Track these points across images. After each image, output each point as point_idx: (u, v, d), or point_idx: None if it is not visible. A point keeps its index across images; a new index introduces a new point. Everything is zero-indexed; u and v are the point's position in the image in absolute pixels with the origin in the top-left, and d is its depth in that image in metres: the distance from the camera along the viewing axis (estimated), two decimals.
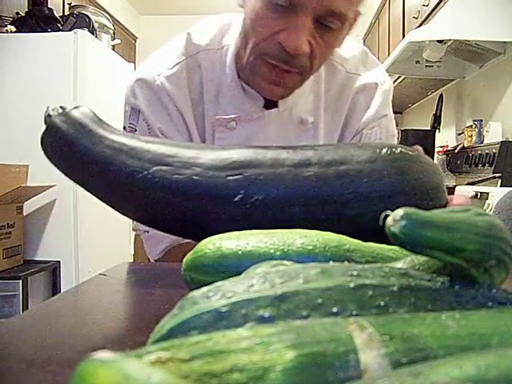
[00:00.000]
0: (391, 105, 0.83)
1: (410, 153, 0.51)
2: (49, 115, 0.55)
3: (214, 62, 0.75)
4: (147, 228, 0.74)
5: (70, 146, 0.53)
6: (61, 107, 0.56)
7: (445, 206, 0.53)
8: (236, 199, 0.49)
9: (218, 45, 0.76)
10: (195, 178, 0.49)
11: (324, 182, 0.49)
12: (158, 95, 0.74)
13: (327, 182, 0.49)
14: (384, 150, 0.51)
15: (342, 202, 0.49)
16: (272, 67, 0.66)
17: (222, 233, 0.45)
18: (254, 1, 0.65)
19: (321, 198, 0.49)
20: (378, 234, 0.50)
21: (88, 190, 0.55)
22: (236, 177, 0.49)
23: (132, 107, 0.75)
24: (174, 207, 0.50)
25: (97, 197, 0.55)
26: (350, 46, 0.80)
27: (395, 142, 0.85)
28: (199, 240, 0.49)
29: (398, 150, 0.51)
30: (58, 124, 0.54)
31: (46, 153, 0.56)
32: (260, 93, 0.72)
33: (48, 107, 0.56)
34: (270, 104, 0.75)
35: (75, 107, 0.57)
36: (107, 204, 0.55)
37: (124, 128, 0.75)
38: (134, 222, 0.76)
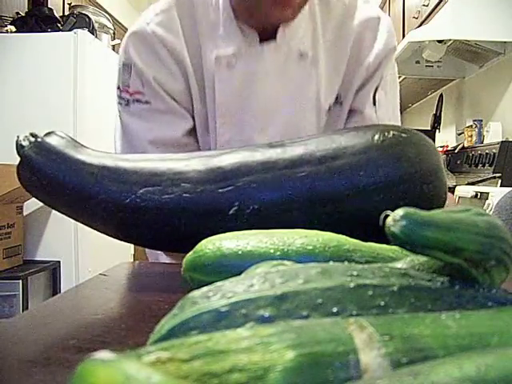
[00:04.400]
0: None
1: (402, 135, 0.49)
2: (21, 146, 0.52)
3: (208, 4, 0.73)
4: None
5: (49, 179, 0.50)
6: (31, 135, 0.52)
7: (445, 186, 0.51)
8: (231, 212, 0.47)
9: None
10: (185, 195, 0.47)
11: (319, 180, 0.47)
12: (150, 44, 0.72)
13: (323, 180, 0.47)
14: (376, 137, 0.49)
15: (340, 199, 0.47)
16: None
17: None
18: None
19: (318, 198, 0.47)
20: (381, 228, 0.48)
21: (77, 221, 0.53)
22: (228, 188, 0.47)
23: (123, 63, 0.73)
24: (167, 227, 0.49)
25: (87, 226, 0.53)
26: None
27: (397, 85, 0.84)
28: None
29: (391, 134, 0.49)
30: (32, 157, 0.50)
31: (24, 187, 0.53)
32: (267, 18, 0.69)
33: (18, 137, 0.52)
34: (267, 40, 0.73)
35: (48, 133, 0.53)
36: (99, 232, 0.53)
37: (118, 88, 0.74)
38: None
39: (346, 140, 0.49)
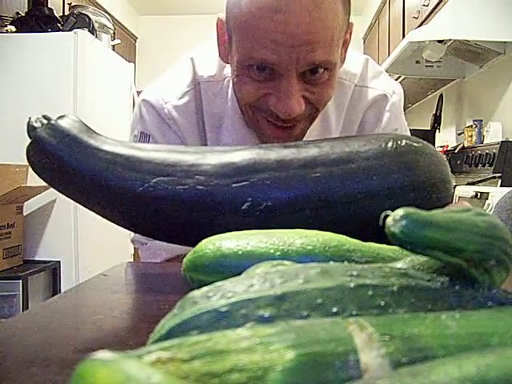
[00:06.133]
0: (403, 113, 0.81)
1: (415, 145, 0.50)
2: (33, 127, 0.50)
3: (216, 95, 0.74)
4: (145, 240, 0.73)
5: (61, 162, 0.49)
6: (44, 117, 0.51)
7: (451, 197, 0.52)
8: (244, 207, 0.47)
9: (219, 76, 0.74)
10: (199, 187, 0.47)
11: (333, 182, 0.48)
12: (166, 122, 0.73)
13: (336, 182, 0.48)
14: (390, 144, 0.49)
15: (351, 201, 0.48)
16: (274, 126, 0.64)
17: None
18: (234, 66, 0.62)
19: (331, 199, 0.48)
20: None
21: (85, 206, 0.52)
22: (242, 183, 0.47)
23: (141, 132, 0.74)
24: (179, 219, 0.48)
25: (94, 212, 0.52)
26: (352, 58, 0.76)
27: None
28: None
29: (404, 143, 0.50)
30: (44, 138, 0.49)
31: (32, 167, 0.51)
32: (269, 138, 0.68)
33: (30, 118, 0.51)
34: None
35: (60, 116, 0.52)
36: (106, 219, 0.52)
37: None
38: (133, 234, 0.76)
39: (360, 145, 0.50)
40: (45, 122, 0.50)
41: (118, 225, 0.53)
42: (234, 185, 0.47)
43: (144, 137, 0.74)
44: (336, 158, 0.49)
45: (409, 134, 0.82)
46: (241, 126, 0.73)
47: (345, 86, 0.76)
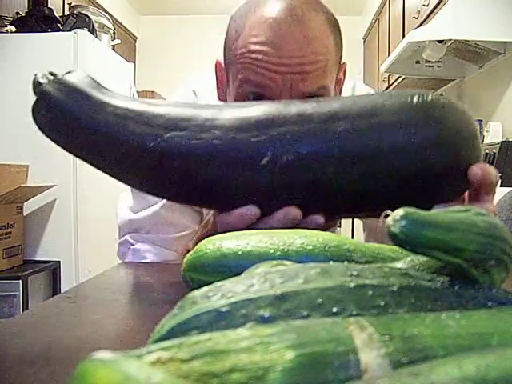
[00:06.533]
0: None
1: (441, 100, 0.47)
2: (39, 83, 0.47)
3: None
4: (133, 241, 0.74)
5: (69, 118, 0.46)
6: (50, 73, 0.48)
7: (480, 155, 0.49)
8: (263, 162, 0.44)
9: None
10: (215, 142, 0.44)
11: (357, 135, 0.45)
12: None
13: (361, 135, 0.45)
14: (415, 98, 0.46)
15: (377, 156, 0.45)
16: None
17: (251, 201, 0.43)
18: (231, 101, 0.63)
19: (356, 154, 0.45)
20: (418, 189, 0.47)
21: (93, 165, 0.50)
22: (261, 137, 0.44)
23: None
24: (194, 176, 0.45)
25: (104, 172, 0.50)
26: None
27: None
28: (223, 210, 0.46)
29: (430, 97, 0.47)
30: (51, 93, 0.47)
31: (39, 127, 0.49)
32: None
33: (36, 74, 0.48)
34: None
35: (68, 72, 0.50)
36: (116, 178, 0.50)
37: None
38: (118, 249, 0.76)
39: (385, 99, 0.47)
40: (51, 77, 0.48)
41: (130, 185, 0.51)
42: (252, 139, 0.44)
43: None
44: (359, 112, 0.46)
45: None
46: None
47: None
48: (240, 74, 0.60)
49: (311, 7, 0.59)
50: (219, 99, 0.70)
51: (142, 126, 0.45)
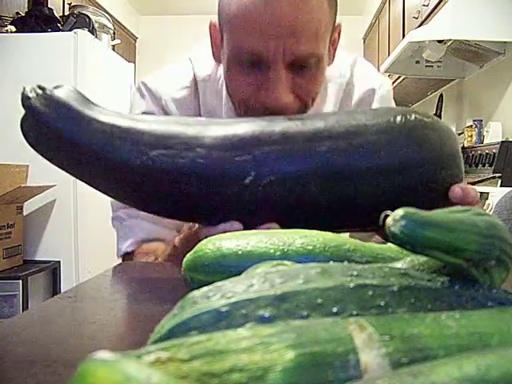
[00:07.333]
0: (394, 105, 0.82)
1: (425, 119, 0.48)
2: (27, 97, 0.48)
3: (212, 94, 0.76)
4: (125, 216, 0.74)
5: (56, 133, 0.47)
6: (39, 87, 0.48)
7: (462, 174, 0.50)
8: (246, 181, 0.45)
9: (215, 76, 0.76)
10: (200, 160, 0.45)
11: (339, 156, 0.45)
12: (164, 109, 0.75)
13: (343, 156, 0.45)
14: (398, 118, 0.47)
15: (358, 176, 0.46)
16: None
17: (234, 216, 0.43)
18: (225, 63, 0.65)
19: (337, 174, 0.46)
20: (399, 207, 0.46)
21: (81, 180, 0.51)
22: (244, 157, 0.45)
23: (144, 111, 0.75)
24: (179, 194, 0.46)
25: (91, 186, 0.51)
26: (341, 59, 0.77)
27: None
28: (207, 224, 0.46)
29: (413, 117, 0.47)
30: (39, 108, 0.47)
31: (27, 141, 0.49)
32: (265, 107, 0.69)
33: (24, 88, 0.48)
34: None
35: (56, 86, 0.50)
36: (103, 193, 0.51)
37: None
38: (112, 223, 0.77)
39: (368, 119, 0.48)
40: (39, 91, 0.48)
41: (116, 199, 0.52)
42: (236, 158, 0.45)
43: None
44: (343, 132, 0.47)
45: None
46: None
47: (335, 87, 0.78)
48: (233, 35, 0.61)
49: None
50: (214, 59, 0.71)
51: (128, 144, 0.46)
